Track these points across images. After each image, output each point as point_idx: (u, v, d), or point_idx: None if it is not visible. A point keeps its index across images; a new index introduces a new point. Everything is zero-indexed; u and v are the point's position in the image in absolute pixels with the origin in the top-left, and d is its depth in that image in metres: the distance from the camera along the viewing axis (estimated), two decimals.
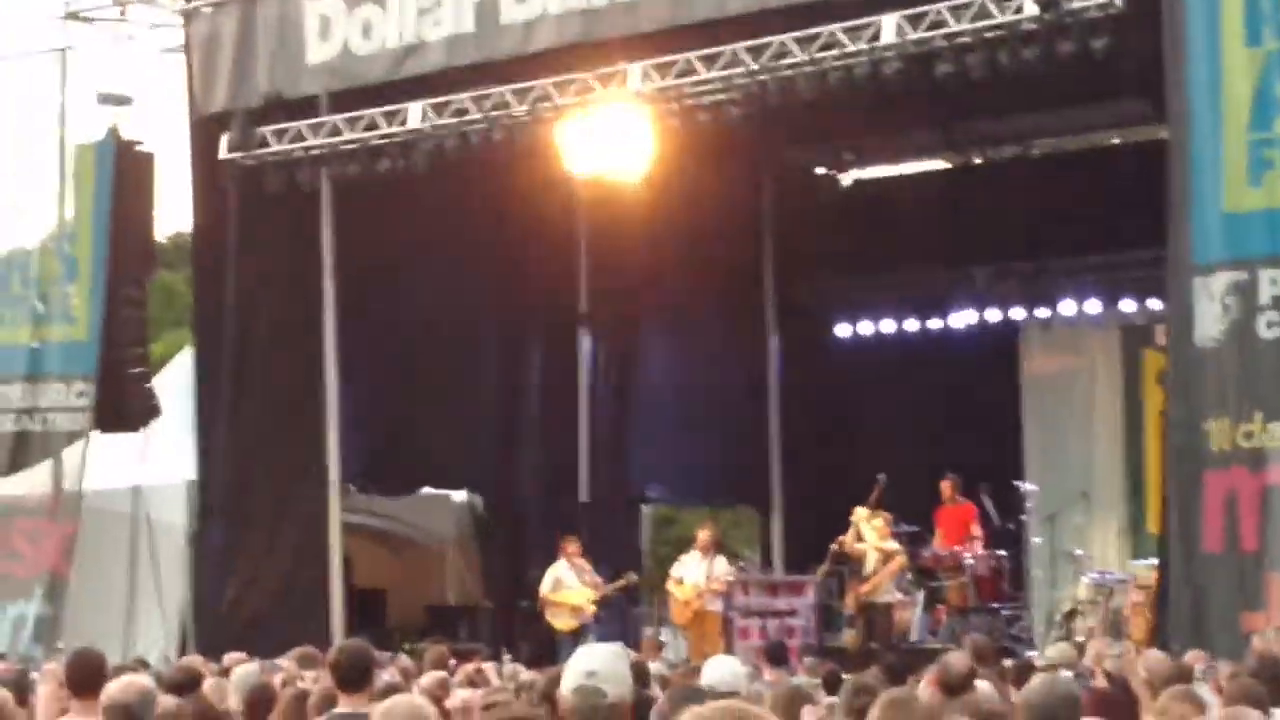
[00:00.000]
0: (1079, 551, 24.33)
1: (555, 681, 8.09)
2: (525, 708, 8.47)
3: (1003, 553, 23.96)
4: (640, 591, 25.75)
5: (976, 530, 23.82)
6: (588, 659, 7.60)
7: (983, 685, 10.41)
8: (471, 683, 13.77)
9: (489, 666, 15.99)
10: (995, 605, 23.62)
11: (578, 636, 21.93)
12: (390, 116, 21.90)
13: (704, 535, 23.75)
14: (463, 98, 21.37)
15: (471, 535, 27.16)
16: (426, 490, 26.17)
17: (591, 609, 23.08)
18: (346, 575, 23.50)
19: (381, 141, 21.98)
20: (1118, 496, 26.39)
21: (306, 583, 22.82)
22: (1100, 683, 11.52)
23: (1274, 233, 18.25)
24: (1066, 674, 11.91)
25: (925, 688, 10.09)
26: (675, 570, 23.41)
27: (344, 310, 22.96)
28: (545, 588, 23.13)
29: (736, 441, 27.91)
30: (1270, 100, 18.09)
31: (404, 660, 17.20)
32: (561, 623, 22.75)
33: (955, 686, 9.68)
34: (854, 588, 22.19)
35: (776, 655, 14.94)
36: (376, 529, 26.66)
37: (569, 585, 23.09)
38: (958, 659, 10.62)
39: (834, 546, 22.94)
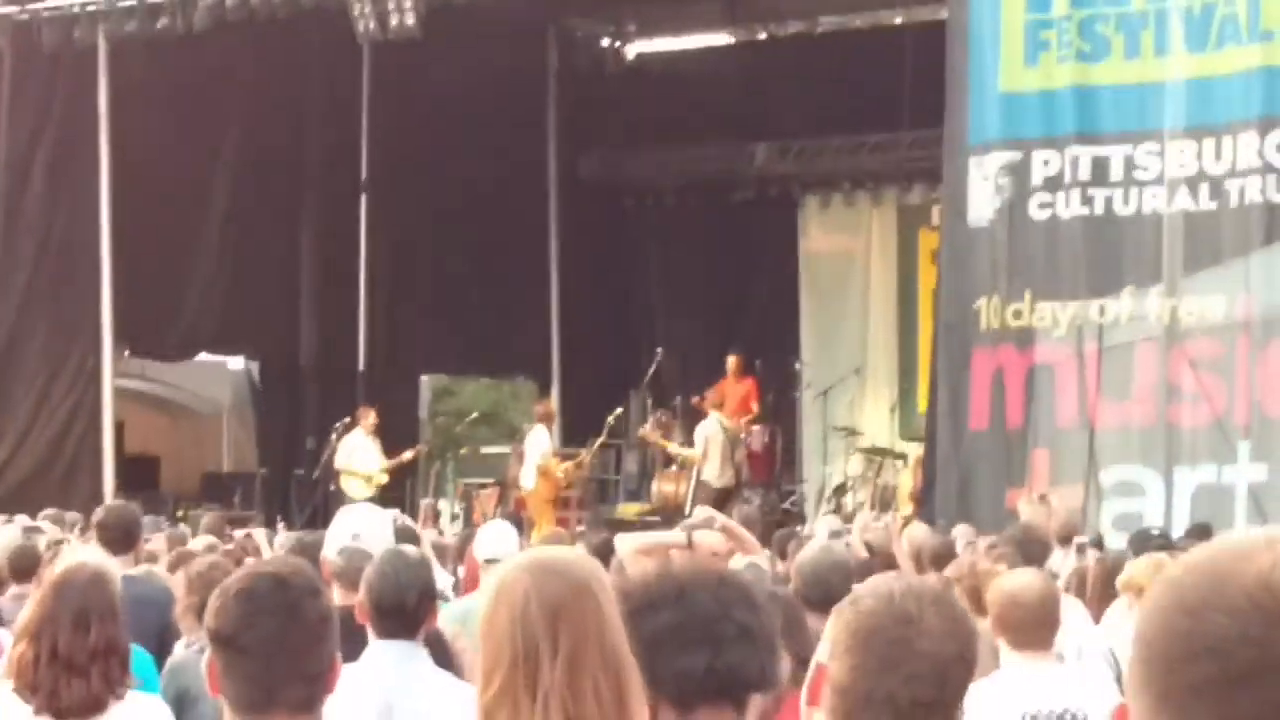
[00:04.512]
0: (850, 428, 24.71)
1: (318, 545, 8.08)
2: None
3: (776, 428, 24.32)
4: (420, 461, 25.66)
5: (755, 407, 24.09)
6: (351, 522, 7.63)
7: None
8: (243, 549, 13.70)
9: (260, 533, 15.93)
10: (769, 480, 24.00)
11: None
12: None
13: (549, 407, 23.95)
14: None
15: (248, 403, 26.98)
16: (203, 356, 25.90)
17: (384, 478, 22.99)
18: (119, 440, 23.24)
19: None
20: (890, 374, 26.77)
21: (78, 447, 22.54)
22: (861, 554, 11.72)
23: (1048, 114, 18.59)
24: (839, 544, 12.12)
25: None
26: (535, 445, 22.94)
27: (120, 170, 22.51)
28: (340, 458, 22.95)
29: (516, 313, 27.84)
30: None
31: (181, 528, 17.08)
32: (355, 492, 22.62)
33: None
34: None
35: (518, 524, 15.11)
36: (151, 395, 26.39)
37: (364, 454, 22.96)
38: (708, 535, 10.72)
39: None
